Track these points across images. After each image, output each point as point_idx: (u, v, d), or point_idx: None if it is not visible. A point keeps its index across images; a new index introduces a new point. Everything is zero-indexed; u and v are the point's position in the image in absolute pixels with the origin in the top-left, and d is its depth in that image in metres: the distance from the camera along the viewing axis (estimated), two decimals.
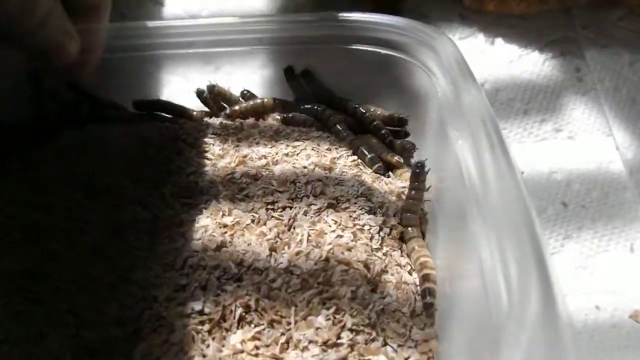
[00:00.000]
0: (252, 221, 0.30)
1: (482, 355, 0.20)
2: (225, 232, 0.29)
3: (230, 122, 0.39)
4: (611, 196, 0.37)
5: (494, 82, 0.43)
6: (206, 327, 0.24)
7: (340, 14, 0.36)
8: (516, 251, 0.18)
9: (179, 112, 0.41)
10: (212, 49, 0.40)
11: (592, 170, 0.38)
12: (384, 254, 0.28)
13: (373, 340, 0.24)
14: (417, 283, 0.28)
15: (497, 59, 0.45)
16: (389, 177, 0.34)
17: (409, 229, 0.30)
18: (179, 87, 0.42)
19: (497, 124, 0.23)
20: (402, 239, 0.31)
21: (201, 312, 0.24)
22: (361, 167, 0.34)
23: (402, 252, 0.29)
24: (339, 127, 0.37)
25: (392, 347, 0.24)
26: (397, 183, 0.33)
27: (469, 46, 0.47)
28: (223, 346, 0.23)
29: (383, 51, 0.35)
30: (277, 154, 0.35)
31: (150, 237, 0.29)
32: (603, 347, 0.31)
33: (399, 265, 0.28)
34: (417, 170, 0.30)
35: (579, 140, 0.40)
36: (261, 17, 0.39)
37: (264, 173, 0.33)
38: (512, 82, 0.43)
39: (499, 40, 0.46)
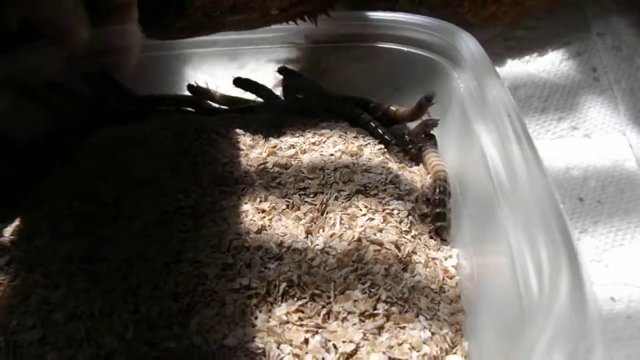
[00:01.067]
0: (287, 206, 0.32)
1: (508, 333, 0.22)
2: (264, 217, 0.31)
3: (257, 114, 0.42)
4: (627, 192, 0.38)
5: (512, 79, 0.45)
6: (254, 301, 0.26)
7: (363, 13, 0.38)
8: (545, 236, 0.19)
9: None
10: (237, 47, 0.42)
11: (607, 167, 0.40)
12: (412, 237, 0.30)
13: (407, 311, 0.26)
14: (444, 257, 0.31)
15: (515, 58, 0.47)
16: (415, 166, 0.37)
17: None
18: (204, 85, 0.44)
19: (521, 117, 0.25)
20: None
21: (248, 287, 0.27)
22: (387, 155, 0.36)
23: (430, 235, 0.31)
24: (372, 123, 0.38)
25: (425, 315, 0.26)
26: (423, 173, 0.35)
27: (487, 48, 0.49)
28: (270, 317, 0.26)
29: (405, 49, 0.37)
30: (304, 143, 0.37)
31: (194, 222, 0.31)
32: (618, 337, 0.32)
33: (426, 246, 0.30)
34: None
35: (595, 138, 0.42)
36: None
37: (293, 162, 0.35)
38: (530, 80, 0.45)
39: (516, 42, 0.48)
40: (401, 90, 0.39)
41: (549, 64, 0.46)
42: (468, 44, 0.33)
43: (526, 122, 0.40)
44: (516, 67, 0.47)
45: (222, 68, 0.44)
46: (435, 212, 0.32)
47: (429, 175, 0.36)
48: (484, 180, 0.26)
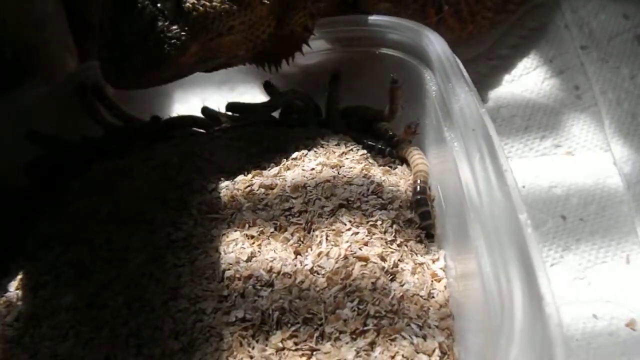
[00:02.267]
0: (275, 228, 0.33)
1: (488, 344, 0.22)
2: (253, 243, 0.32)
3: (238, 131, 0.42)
4: (608, 209, 0.39)
5: (496, 99, 0.46)
6: (250, 332, 0.27)
7: (331, 17, 0.38)
8: (506, 261, 0.20)
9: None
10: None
11: (590, 184, 0.40)
12: (398, 245, 0.31)
13: (396, 323, 0.27)
14: (431, 260, 0.32)
15: (498, 78, 0.47)
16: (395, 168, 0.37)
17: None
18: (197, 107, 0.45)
19: (487, 132, 0.25)
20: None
21: (244, 319, 0.28)
22: (370, 160, 0.37)
23: (417, 239, 0.32)
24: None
25: (416, 324, 0.27)
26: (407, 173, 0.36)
27: (471, 67, 0.49)
28: (266, 346, 0.27)
29: (376, 50, 0.37)
30: (287, 159, 0.38)
31: (187, 255, 0.32)
32: (600, 354, 0.33)
33: (413, 252, 0.31)
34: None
35: (578, 155, 0.43)
36: None
37: (278, 182, 0.36)
38: (513, 99, 0.46)
39: (500, 61, 0.48)
40: (373, 92, 0.39)
41: (532, 83, 0.47)
42: (435, 45, 0.33)
43: (510, 140, 0.41)
44: (500, 87, 0.47)
45: (213, 90, 0.44)
46: (420, 212, 0.33)
47: (411, 175, 0.37)
48: (458, 192, 0.27)
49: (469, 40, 0.48)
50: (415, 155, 0.37)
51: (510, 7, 0.49)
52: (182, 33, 0.32)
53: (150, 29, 0.32)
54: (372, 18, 0.38)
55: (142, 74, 0.33)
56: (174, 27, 0.32)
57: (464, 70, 0.30)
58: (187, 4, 0.32)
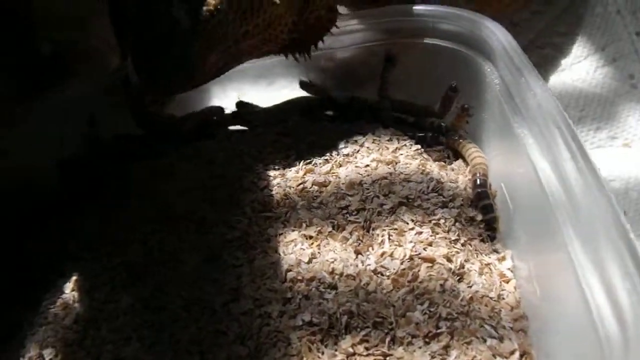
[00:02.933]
0: (333, 227, 0.32)
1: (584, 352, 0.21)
2: (312, 243, 0.31)
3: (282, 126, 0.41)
4: None
5: None
6: (318, 336, 0.27)
7: (379, 9, 0.37)
8: (609, 265, 0.19)
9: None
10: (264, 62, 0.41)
11: None
12: (462, 245, 0.30)
13: (470, 325, 0.26)
14: (497, 260, 0.30)
15: (549, 67, 0.45)
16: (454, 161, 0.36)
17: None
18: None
19: (570, 126, 0.24)
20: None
21: (311, 323, 0.27)
22: (424, 155, 0.36)
23: (480, 238, 0.31)
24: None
25: (489, 325, 0.26)
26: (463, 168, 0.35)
27: None
28: (336, 351, 0.26)
29: (430, 42, 0.35)
30: (338, 155, 0.37)
31: (245, 254, 0.31)
32: None
33: (478, 251, 0.30)
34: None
35: (635, 147, 0.41)
36: None
37: (331, 179, 0.35)
38: (565, 89, 0.44)
39: (549, 49, 0.46)
40: (428, 86, 0.38)
41: (584, 72, 0.45)
42: (498, 36, 0.31)
43: None
44: (550, 76, 0.46)
45: (251, 85, 0.43)
46: (481, 205, 0.32)
47: (468, 169, 0.36)
48: (535, 191, 0.26)
49: (507, 12, 0.46)
50: (471, 149, 0.35)
51: None
52: (199, 46, 0.31)
53: (169, 43, 0.31)
54: (422, 8, 0.36)
55: (168, 84, 0.32)
56: (191, 41, 0.31)
57: (531, 64, 0.29)
58: (203, 16, 0.31)
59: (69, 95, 0.40)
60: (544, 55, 0.46)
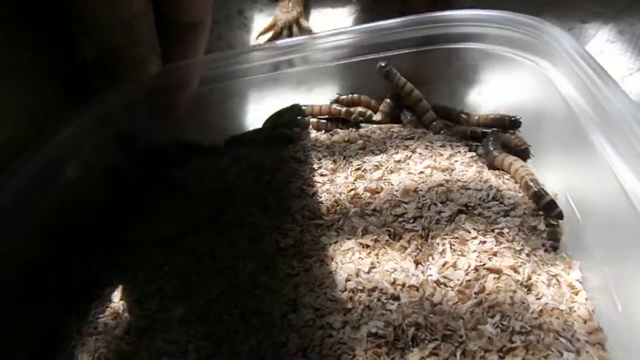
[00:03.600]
0: (389, 236, 0.31)
1: None
2: (370, 252, 0.30)
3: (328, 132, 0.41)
4: None
5: None
6: (384, 349, 0.26)
7: (435, 14, 0.36)
8: None
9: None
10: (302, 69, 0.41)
11: None
12: (527, 255, 0.29)
13: (544, 338, 0.25)
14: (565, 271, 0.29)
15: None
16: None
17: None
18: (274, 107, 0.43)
19: None
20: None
21: (376, 335, 0.26)
22: (479, 162, 0.35)
23: (544, 247, 0.30)
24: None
25: (564, 337, 0.25)
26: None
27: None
28: None
29: (489, 47, 0.35)
30: (388, 161, 0.36)
31: (300, 263, 0.31)
32: None
33: (544, 262, 0.29)
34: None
35: None
36: (346, 29, 0.39)
37: (383, 185, 0.34)
38: None
39: (607, 55, 0.45)
40: (486, 92, 0.37)
41: (636, 84, 0.43)
42: (563, 42, 0.30)
43: None
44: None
45: (289, 91, 0.43)
46: (543, 203, 0.31)
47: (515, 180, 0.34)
48: (616, 200, 0.24)
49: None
50: (515, 163, 0.34)
51: None
52: None
53: None
54: (479, 12, 0.35)
55: None
56: None
57: (607, 72, 0.27)
58: None
59: (112, 101, 0.39)
60: (601, 58, 0.45)
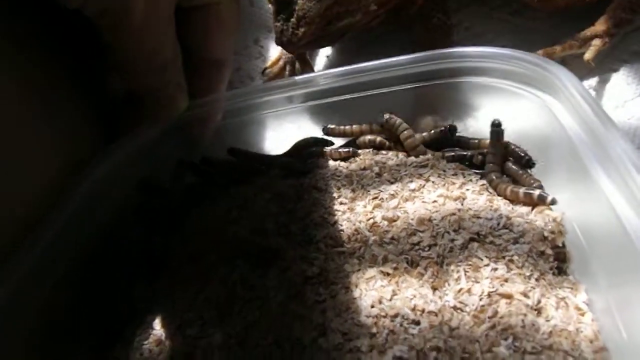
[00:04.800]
0: (407, 263, 0.34)
1: None
2: (391, 280, 0.33)
3: (348, 160, 0.43)
4: None
5: None
6: None
7: (448, 50, 0.39)
8: None
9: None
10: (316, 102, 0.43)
11: None
12: (536, 279, 0.32)
13: (554, 357, 0.28)
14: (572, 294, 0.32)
15: (604, 104, 0.47)
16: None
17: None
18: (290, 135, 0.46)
19: None
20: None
21: (400, 358, 0.29)
22: (489, 189, 0.37)
23: (552, 271, 0.32)
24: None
25: (572, 357, 0.28)
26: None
27: None
28: None
29: (493, 80, 0.37)
30: (403, 189, 0.39)
31: (326, 290, 0.33)
32: None
33: (552, 285, 0.32)
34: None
35: None
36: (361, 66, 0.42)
37: (400, 214, 0.36)
38: (621, 127, 0.44)
39: (602, 85, 0.47)
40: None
41: (638, 110, 0.45)
42: (562, 78, 0.33)
43: None
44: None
45: (306, 118, 0.45)
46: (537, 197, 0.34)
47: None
48: (614, 233, 0.27)
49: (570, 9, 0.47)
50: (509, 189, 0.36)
51: None
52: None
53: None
54: (485, 50, 0.38)
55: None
56: None
57: (604, 110, 0.30)
58: None
59: (143, 138, 0.42)
60: (598, 93, 0.48)
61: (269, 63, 0.57)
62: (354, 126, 0.44)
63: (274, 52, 0.58)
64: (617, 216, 0.27)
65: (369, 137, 0.43)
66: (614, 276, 0.30)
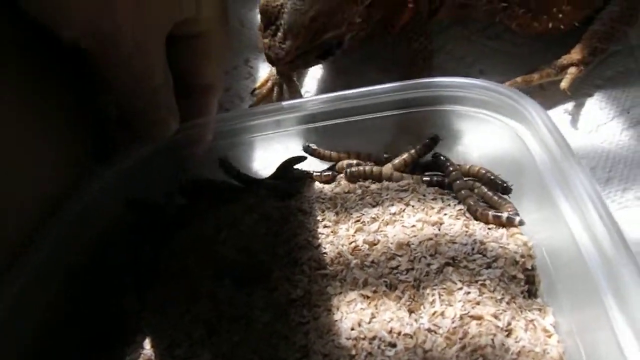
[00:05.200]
0: (386, 286, 0.36)
1: None
2: (370, 303, 0.35)
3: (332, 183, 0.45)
4: None
5: (577, 150, 0.46)
6: None
7: (427, 80, 0.41)
8: None
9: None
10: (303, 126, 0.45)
11: None
12: (507, 303, 0.34)
13: None
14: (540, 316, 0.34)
15: (576, 129, 0.49)
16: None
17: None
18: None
19: (603, 201, 0.29)
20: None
21: None
22: (466, 214, 0.39)
23: (522, 295, 0.34)
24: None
25: None
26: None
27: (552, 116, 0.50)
28: None
29: (469, 109, 0.39)
30: (384, 213, 0.40)
31: (310, 312, 0.35)
32: None
33: (521, 308, 0.34)
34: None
35: None
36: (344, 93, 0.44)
37: (380, 238, 0.38)
38: (594, 151, 0.47)
39: (577, 109, 0.49)
40: (469, 148, 0.41)
41: (610, 134, 0.48)
42: (529, 109, 0.35)
43: None
44: (580, 138, 0.48)
45: (294, 139, 0.47)
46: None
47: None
48: (575, 260, 0.29)
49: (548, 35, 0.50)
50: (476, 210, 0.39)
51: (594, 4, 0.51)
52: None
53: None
54: (461, 80, 0.40)
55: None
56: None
57: (567, 141, 0.32)
58: None
59: (134, 158, 0.44)
60: (573, 117, 0.50)
61: (258, 84, 0.59)
62: (332, 152, 0.45)
63: (264, 72, 0.60)
64: (576, 242, 0.29)
65: (346, 161, 0.45)
66: (575, 300, 0.32)
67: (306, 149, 0.46)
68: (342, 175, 0.45)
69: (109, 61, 0.37)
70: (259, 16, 0.63)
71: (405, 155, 0.44)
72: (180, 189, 0.46)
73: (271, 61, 0.49)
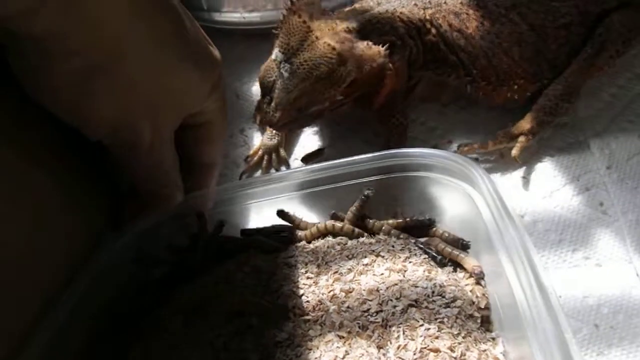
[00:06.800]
0: (359, 327, 0.41)
1: None
2: (345, 342, 0.40)
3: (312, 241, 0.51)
4: (634, 318, 0.44)
5: (532, 213, 0.53)
6: None
7: (399, 151, 0.48)
8: None
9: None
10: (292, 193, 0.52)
11: (617, 295, 0.46)
12: (463, 337, 0.39)
13: None
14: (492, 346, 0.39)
15: (532, 194, 0.55)
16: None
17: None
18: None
19: (532, 260, 0.35)
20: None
21: None
22: (431, 262, 0.45)
23: (478, 330, 0.40)
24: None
25: None
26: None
27: (507, 182, 0.57)
28: None
29: (435, 175, 0.46)
30: (358, 264, 0.46)
31: (293, 351, 0.40)
32: None
33: (476, 340, 0.39)
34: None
35: (605, 267, 0.49)
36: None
37: (354, 286, 0.44)
38: (547, 215, 0.52)
39: (534, 176, 0.56)
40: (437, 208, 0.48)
41: (562, 199, 0.53)
42: (476, 175, 0.42)
43: (546, 252, 0.49)
44: (535, 202, 0.54)
45: (284, 204, 0.53)
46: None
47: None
48: (512, 303, 0.35)
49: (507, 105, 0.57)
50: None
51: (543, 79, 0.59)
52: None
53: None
54: (421, 150, 0.47)
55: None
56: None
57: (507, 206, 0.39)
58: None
59: (143, 225, 0.51)
60: (527, 182, 0.56)
61: (251, 152, 0.67)
62: (302, 221, 0.52)
63: (257, 140, 0.68)
64: (511, 287, 0.35)
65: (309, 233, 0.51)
66: (514, 338, 0.37)
67: (279, 213, 0.53)
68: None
69: (126, 155, 0.44)
70: (253, 89, 0.73)
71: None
72: (187, 248, 0.52)
73: (263, 125, 0.57)
